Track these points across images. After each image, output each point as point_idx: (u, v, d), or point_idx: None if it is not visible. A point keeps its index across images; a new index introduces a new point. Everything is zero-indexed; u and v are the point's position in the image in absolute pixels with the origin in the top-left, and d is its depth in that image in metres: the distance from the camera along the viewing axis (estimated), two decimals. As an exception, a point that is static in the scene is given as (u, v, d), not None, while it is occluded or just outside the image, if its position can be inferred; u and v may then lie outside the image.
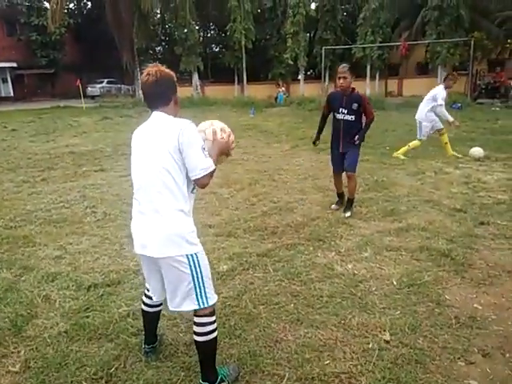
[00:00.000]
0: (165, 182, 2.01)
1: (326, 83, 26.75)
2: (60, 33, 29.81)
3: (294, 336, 2.66)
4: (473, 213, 4.83)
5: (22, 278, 3.45)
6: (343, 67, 4.66)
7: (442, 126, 7.91)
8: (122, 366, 2.41)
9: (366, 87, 26.05)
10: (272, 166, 7.65)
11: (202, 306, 2.09)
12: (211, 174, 2.08)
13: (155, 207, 2.03)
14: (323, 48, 23.46)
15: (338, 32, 29.27)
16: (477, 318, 2.79)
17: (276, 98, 24.45)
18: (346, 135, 4.81)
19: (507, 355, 2.44)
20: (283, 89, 26.54)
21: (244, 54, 28.46)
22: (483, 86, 21.66)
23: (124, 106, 22.05)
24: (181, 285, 2.07)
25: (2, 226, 4.72)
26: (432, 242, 4.04)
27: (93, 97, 29.32)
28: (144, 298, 2.44)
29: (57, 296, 3.16)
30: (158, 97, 2.13)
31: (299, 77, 30.13)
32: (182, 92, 15.98)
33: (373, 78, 27.15)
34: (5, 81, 31.90)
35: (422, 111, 7.90)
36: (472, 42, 19.73)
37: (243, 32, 27.64)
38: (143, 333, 2.54)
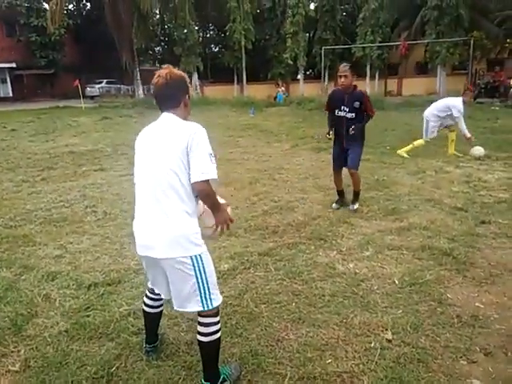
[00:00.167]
0: (171, 183, 2.00)
1: (326, 83, 26.76)
2: (59, 33, 29.80)
3: (295, 335, 2.64)
4: (474, 212, 4.82)
5: (22, 277, 3.44)
6: (344, 66, 4.67)
7: (452, 123, 7.87)
8: (123, 365, 2.40)
9: (366, 86, 26.06)
10: (272, 165, 7.64)
11: (206, 308, 2.08)
12: (210, 186, 2.02)
13: (161, 208, 2.01)
14: (323, 48, 23.51)
15: (338, 32, 29.35)
16: (479, 317, 2.77)
17: (275, 98, 24.47)
18: (350, 132, 4.81)
19: (509, 354, 2.43)
20: (283, 88, 26.55)
21: (243, 54, 28.52)
22: (483, 86, 21.66)
23: (123, 106, 22.02)
24: (185, 286, 2.05)
25: (2, 225, 4.70)
26: (433, 240, 4.03)
27: (92, 97, 29.31)
28: (145, 299, 2.42)
29: (57, 295, 3.14)
30: (168, 99, 2.13)
31: (299, 76, 30.20)
32: (182, 92, 15.91)
33: (372, 77, 27.21)
34: (4, 81, 31.89)
35: (433, 112, 7.85)
36: (471, 42, 19.76)
37: (243, 32, 27.72)
38: (144, 332, 2.52)
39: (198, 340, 2.14)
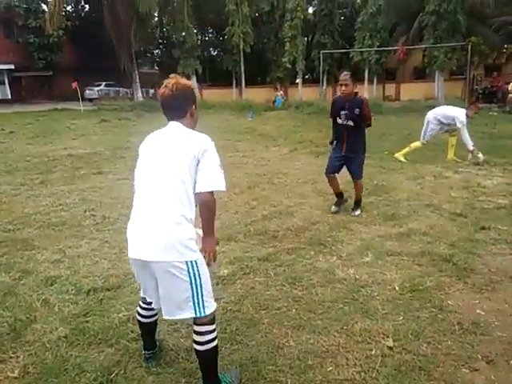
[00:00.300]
0: (175, 189, 1.99)
1: (324, 87, 26.85)
2: (58, 35, 29.70)
3: (296, 342, 2.63)
4: (473, 217, 4.83)
5: (21, 282, 3.42)
6: (345, 75, 4.69)
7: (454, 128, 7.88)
8: (123, 371, 2.38)
9: (364, 91, 26.12)
10: (271, 169, 7.64)
11: (198, 315, 2.04)
12: (214, 199, 2.05)
13: (159, 212, 2.00)
14: (321, 52, 23.57)
15: (336, 36, 29.44)
16: (480, 324, 2.77)
17: (274, 102, 24.51)
18: (350, 139, 4.87)
19: (511, 362, 2.42)
20: (281, 92, 26.64)
21: (242, 58, 28.53)
22: (480, 91, 21.80)
23: (122, 108, 21.99)
24: (177, 292, 2.01)
25: (1, 229, 4.68)
26: (433, 246, 4.03)
27: (91, 99, 29.27)
28: (138, 309, 2.40)
29: (56, 300, 3.12)
30: (174, 109, 2.15)
31: (297, 80, 30.21)
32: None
33: (370, 82, 27.28)
34: (2, 83, 31.76)
35: (436, 116, 7.85)
36: (469, 47, 19.87)
37: (241, 36, 27.76)
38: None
39: (195, 349, 2.12)
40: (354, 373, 2.35)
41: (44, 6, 31.80)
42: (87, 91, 30.45)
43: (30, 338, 2.68)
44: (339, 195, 5.24)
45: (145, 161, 2.13)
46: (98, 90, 31.41)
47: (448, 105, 8.58)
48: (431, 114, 7.95)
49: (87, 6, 36.88)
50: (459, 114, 7.57)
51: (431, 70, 24.45)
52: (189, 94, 2.17)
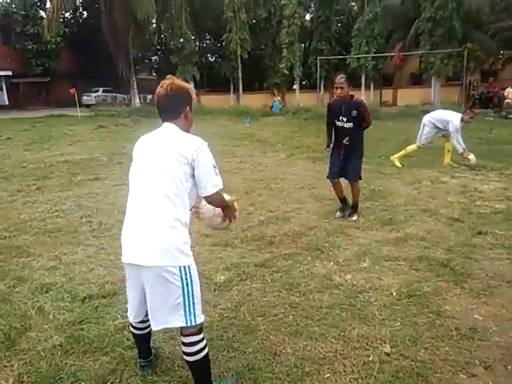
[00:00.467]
0: (168, 192, 1.97)
1: (322, 93, 26.94)
2: (56, 42, 29.82)
3: (293, 349, 2.61)
4: (470, 222, 4.83)
5: (16, 290, 3.39)
6: (340, 78, 4.70)
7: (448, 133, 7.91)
8: (118, 380, 2.35)
9: (361, 97, 26.16)
10: (268, 174, 7.63)
11: (189, 324, 2.00)
12: (220, 194, 2.16)
13: (153, 215, 1.97)
14: (318, 58, 23.66)
15: (333, 42, 29.57)
16: (478, 330, 2.75)
17: (272, 108, 24.57)
18: (349, 142, 4.88)
19: (509, 367, 2.41)
20: (279, 98, 26.71)
21: (240, 64, 28.64)
22: (477, 97, 21.91)
23: (119, 114, 22.00)
24: (169, 298, 1.97)
25: (-4, 235, 4.65)
26: (430, 251, 4.02)
27: (88, 105, 29.28)
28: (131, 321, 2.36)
29: (51, 308, 3.09)
30: (168, 110, 2.13)
31: (294, 86, 30.30)
32: (178, 101, 15.95)
33: (367, 87, 27.35)
34: (0, 89, 31.81)
35: (431, 119, 7.90)
36: (465, 53, 19.99)
37: (239, 42, 27.88)
38: (138, 346, 2.48)
39: (186, 360, 2.09)
40: (352, 379, 2.34)
41: (42, 13, 31.90)
42: (85, 97, 30.49)
43: (25, 347, 2.65)
44: (343, 201, 5.23)
45: (138, 164, 2.11)
46: (95, 96, 31.44)
47: (445, 109, 8.62)
48: (427, 118, 8.01)
49: (85, 12, 37.00)
50: (454, 118, 7.61)
51: (428, 75, 24.57)
52: (183, 95, 2.15)
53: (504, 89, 19.68)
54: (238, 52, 28.05)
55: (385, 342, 2.64)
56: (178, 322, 2.00)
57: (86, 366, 2.46)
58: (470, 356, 2.50)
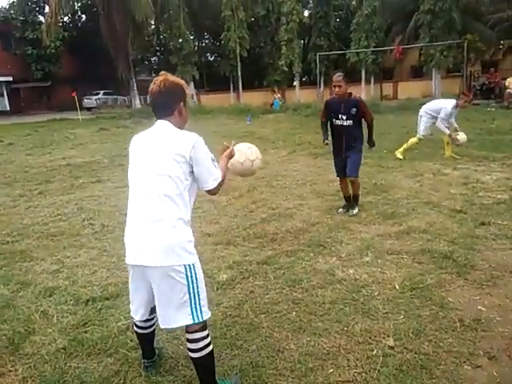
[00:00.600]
0: (168, 190, 1.97)
1: (321, 89, 26.88)
2: (55, 46, 29.93)
3: (296, 345, 2.61)
4: (473, 213, 4.80)
5: (20, 294, 3.40)
6: (338, 76, 4.69)
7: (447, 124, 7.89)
8: (122, 381, 2.36)
9: (362, 91, 26.10)
10: (270, 172, 7.62)
11: (196, 321, 2.01)
12: (221, 184, 2.17)
13: (155, 215, 1.97)
14: (317, 54, 23.58)
15: (332, 38, 29.48)
16: (481, 321, 2.74)
17: (272, 105, 24.54)
18: (348, 140, 4.88)
19: (514, 358, 2.40)
20: (279, 95, 26.65)
21: (239, 62, 28.61)
22: (478, 87, 21.78)
23: (120, 116, 22.06)
24: (175, 296, 1.98)
25: (-1, 241, 4.67)
26: (433, 244, 4.00)
27: (89, 108, 29.37)
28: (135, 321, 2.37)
29: (54, 311, 3.10)
30: (161, 106, 2.11)
31: (294, 83, 30.24)
32: (178, 101, 16.01)
33: (368, 82, 27.25)
34: (1, 95, 31.94)
35: (426, 110, 7.91)
36: (465, 44, 19.86)
37: (238, 40, 27.83)
38: (142, 347, 2.48)
39: (191, 357, 2.10)
40: (356, 374, 2.33)
41: (41, 18, 32.02)
42: (85, 100, 30.61)
43: (29, 351, 2.65)
44: (348, 199, 5.21)
45: (136, 165, 2.10)
46: (96, 99, 31.54)
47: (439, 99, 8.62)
48: (423, 109, 8.04)
49: (84, 16, 37.10)
50: (447, 104, 7.64)
51: (428, 68, 24.45)
52: (177, 91, 2.12)
53: (505, 79, 19.50)
54: (237, 50, 28.01)
55: (388, 336, 2.63)
56: (186, 320, 2.01)
57: (90, 368, 2.46)
58: (474, 347, 2.49)
